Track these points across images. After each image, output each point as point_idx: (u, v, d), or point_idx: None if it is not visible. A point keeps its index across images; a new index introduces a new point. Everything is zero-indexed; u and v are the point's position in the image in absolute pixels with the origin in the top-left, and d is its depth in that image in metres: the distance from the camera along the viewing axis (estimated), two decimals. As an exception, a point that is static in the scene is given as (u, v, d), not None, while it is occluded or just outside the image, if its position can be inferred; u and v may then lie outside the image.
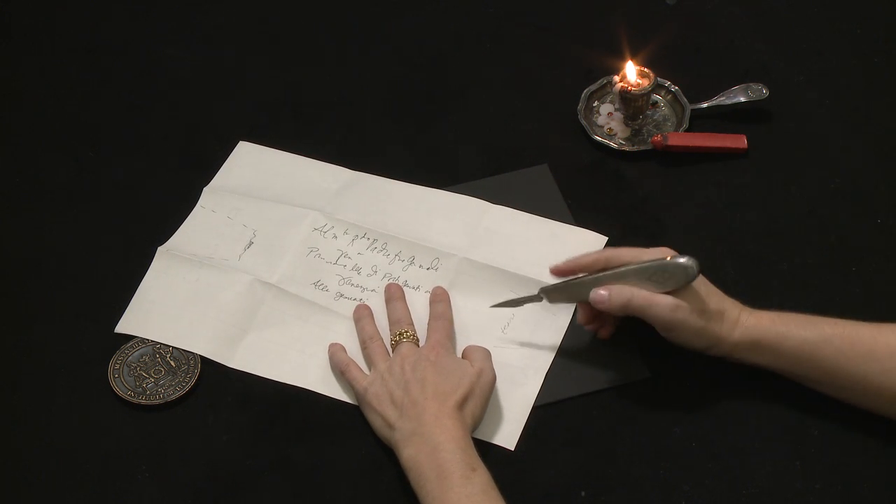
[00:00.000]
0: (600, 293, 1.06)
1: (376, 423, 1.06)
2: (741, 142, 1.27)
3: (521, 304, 1.13)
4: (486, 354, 1.09)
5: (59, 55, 1.44)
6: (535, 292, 1.12)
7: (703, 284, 1.05)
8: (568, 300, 1.11)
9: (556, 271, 1.10)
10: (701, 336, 1.05)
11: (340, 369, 1.11)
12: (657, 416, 1.08)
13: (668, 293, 1.04)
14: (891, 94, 1.35)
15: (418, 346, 1.10)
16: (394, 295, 1.16)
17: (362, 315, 1.15)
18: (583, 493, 1.04)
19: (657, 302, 1.04)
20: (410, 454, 1.01)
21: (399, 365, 1.07)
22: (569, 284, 1.09)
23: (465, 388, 1.04)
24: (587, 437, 1.07)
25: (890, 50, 1.39)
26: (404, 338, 1.10)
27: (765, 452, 1.05)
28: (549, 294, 1.11)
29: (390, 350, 1.11)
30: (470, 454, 1.00)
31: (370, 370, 1.10)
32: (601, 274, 1.07)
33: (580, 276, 1.10)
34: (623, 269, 1.05)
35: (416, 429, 1.01)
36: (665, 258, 1.04)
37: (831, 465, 1.04)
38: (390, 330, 1.13)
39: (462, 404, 1.03)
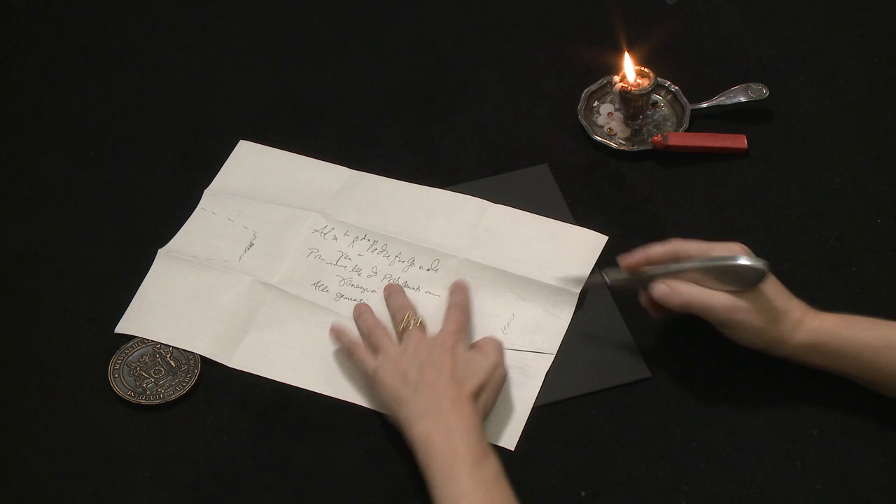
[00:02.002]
0: (662, 288, 1.05)
1: (386, 398, 1.04)
2: (741, 142, 1.27)
3: (585, 287, 1.12)
4: (499, 347, 1.08)
5: (59, 55, 1.44)
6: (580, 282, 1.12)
7: (770, 284, 1.04)
8: (630, 285, 1.10)
9: (626, 265, 1.09)
10: (760, 336, 1.05)
11: (348, 349, 1.10)
12: (657, 416, 1.08)
13: (732, 291, 1.03)
14: (891, 94, 1.34)
15: (425, 331, 1.10)
16: (393, 290, 1.16)
17: (363, 311, 1.14)
18: (583, 494, 1.04)
19: (716, 303, 1.03)
20: (423, 430, 0.99)
21: (413, 347, 1.06)
22: (634, 275, 1.08)
23: (480, 378, 1.04)
24: (587, 437, 1.07)
25: (890, 50, 1.39)
26: (411, 321, 1.10)
27: (765, 452, 1.05)
28: (612, 276, 1.10)
29: (396, 339, 1.10)
30: (483, 443, 0.99)
31: (377, 357, 1.08)
32: (668, 267, 1.06)
33: (647, 268, 1.08)
34: (689, 264, 1.04)
35: (431, 407, 1.00)
36: (733, 258, 1.02)
37: (831, 465, 1.04)
38: (394, 317, 1.12)
39: (477, 394, 1.03)
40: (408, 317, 1.10)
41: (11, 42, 1.47)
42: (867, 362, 1.03)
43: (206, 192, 1.27)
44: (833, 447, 1.05)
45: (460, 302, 1.13)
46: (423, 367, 1.04)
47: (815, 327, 1.04)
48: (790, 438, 1.06)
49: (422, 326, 1.10)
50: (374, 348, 1.09)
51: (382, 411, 1.07)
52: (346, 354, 1.11)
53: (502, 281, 1.17)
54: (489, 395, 1.05)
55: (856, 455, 1.05)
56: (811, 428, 1.06)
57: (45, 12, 1.49)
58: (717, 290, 1.04)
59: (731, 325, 1.05)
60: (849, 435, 1.06)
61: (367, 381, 1.09)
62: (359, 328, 1.13)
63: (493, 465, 0.98)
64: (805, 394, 1.08)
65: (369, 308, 1.15)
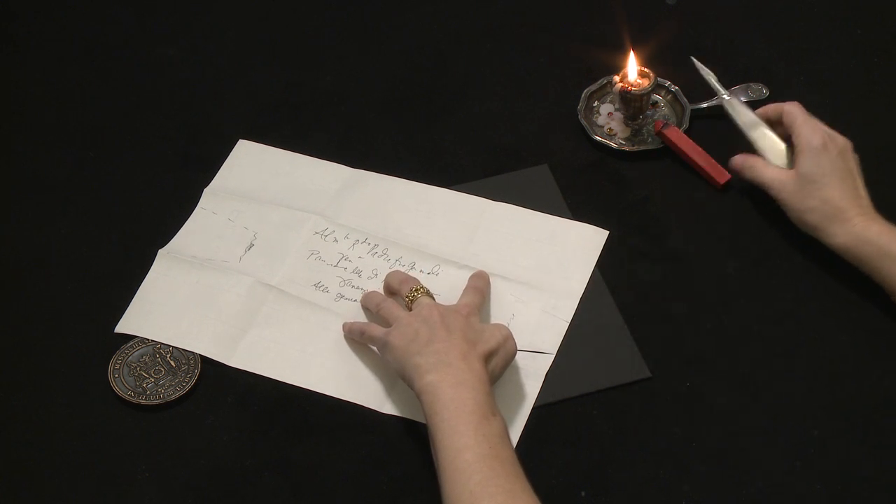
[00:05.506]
0: (737, 159, 1.21)
1: (397, 356, 1.03)
2: (722, 177, 1.23)
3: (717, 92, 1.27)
4: (508, 330, 1.08)
5: (59, 55, 1.44)
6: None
7: (837, 180, 1.12)
8: (739, 121, 1.23)
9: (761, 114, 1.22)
10: (803, 223, 1.14)
11: (360, 332, 1.10)
12: (657, 416, 1.08)
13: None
14: (891, 94, 1.34)
15: (435, 300, 1.10)
16: (388, 274, 1.16)
17: (368, 292, 1.15)
18: (583, 494, 1.04)
19: (767, 177, 1.17)
20: (432, 380, 0.99)
21: (426, 311, 1.05)
22: (746, 116, 1.22)
23: (492, 344, 1.04)
24: (587, 437, 1.07)
25: (890, 50, 1.39)
26: (419, 292, 1.10)
27: (765, 452, 1.05)
28: (734, 107, 1.24)
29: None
30: (491, 400, 0.99)
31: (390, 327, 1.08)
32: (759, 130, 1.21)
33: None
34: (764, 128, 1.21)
35: (442, 360, 1.00)
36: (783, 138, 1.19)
37: (831, 465, 1.04)
38: (400, 292, 1.12)
39: (488, 357, 1.03)
40: (414, 288, 1.11)
41: (11, 42, 1.47)
42: (888, 273, 1.07)
43: (205, 191, 1.27)
44: (833, 447, 1.05)
45: (478, 285, 1.14)
46: (435, 327, 1.03)
47: (857, 232, 1.09)
48: (790, 438, 1.06)
49: (430, 295, 1.10)
50: (385, 321, 1.09)
51: (394, 370, 1.06)
52: (359, 337, 1.11)
53: (502, 283, 1.17)
54: (499, 362, 1.04)
55: (856, 455, 1.05)
56: (811, 428, 1.06)
57: (45, 12, 1.49)
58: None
59: (779, 201, 1.16)
60: (849, 435, 1.06)
61: (379, 349, 1.08)
62: (367, 308, 1.14)
63: (499, 423, 0.97)
64: (805, 394, 1.08)
65: (375, 290, 1.15)
